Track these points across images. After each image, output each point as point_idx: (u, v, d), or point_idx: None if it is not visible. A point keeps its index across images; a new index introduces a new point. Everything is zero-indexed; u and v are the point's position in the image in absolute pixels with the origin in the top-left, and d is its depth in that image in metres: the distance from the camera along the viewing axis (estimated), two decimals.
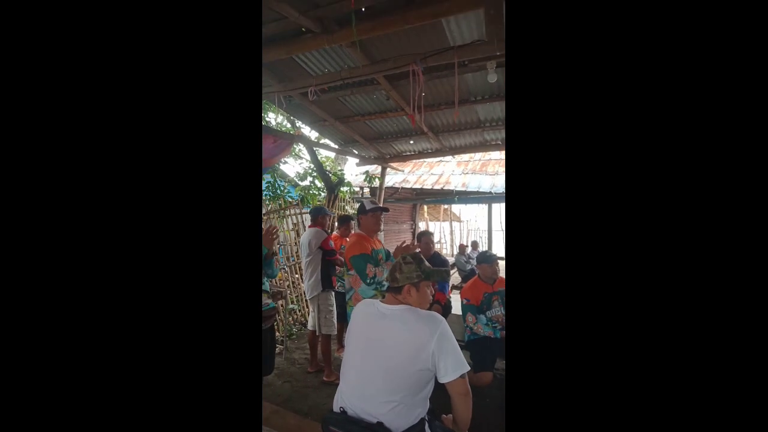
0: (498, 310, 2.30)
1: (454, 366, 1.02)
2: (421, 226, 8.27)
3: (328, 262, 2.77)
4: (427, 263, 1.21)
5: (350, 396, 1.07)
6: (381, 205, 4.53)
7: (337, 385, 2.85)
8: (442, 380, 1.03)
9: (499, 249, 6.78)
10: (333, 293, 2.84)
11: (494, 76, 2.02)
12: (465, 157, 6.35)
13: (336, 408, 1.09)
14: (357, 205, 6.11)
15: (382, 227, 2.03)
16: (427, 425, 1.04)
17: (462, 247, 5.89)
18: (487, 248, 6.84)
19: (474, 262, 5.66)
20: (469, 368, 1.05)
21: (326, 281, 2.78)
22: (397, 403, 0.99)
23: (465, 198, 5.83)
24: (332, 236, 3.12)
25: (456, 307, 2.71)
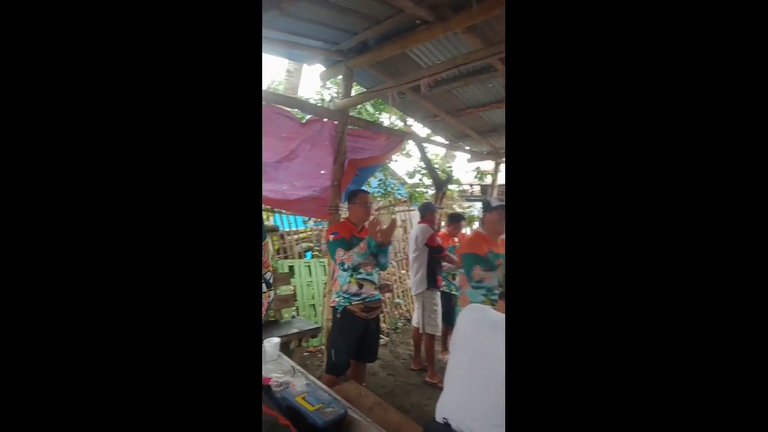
0: None
1: None
2: None
3: (434, 259, 2.68)
4: None
5: (455, 409, 0.97)
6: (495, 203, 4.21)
7: (440, 388, 2.77)
8: None
9: None
10: (438, 293, 2.74)
11: None
12: None
13: (438, 417, 1.01)
14: (465, 204, 5.92)
15: None
16: None
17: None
18: None
19: None
20: None
21: (431, 279, 2.70)
22: None
23: None
24: (440, 234, 3.03)
25: None
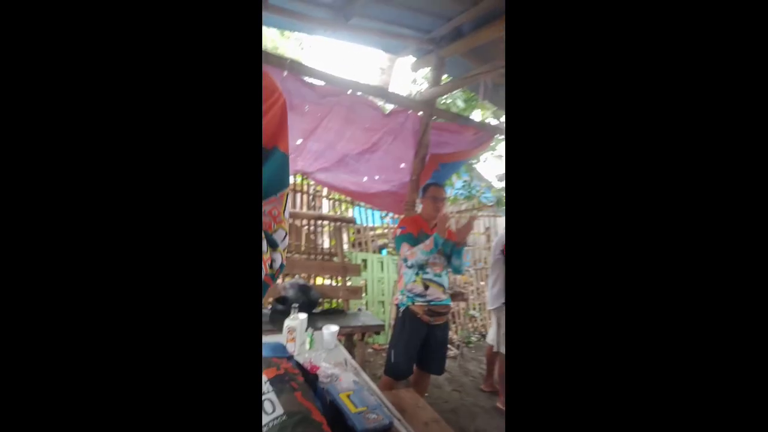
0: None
1: None
2: None
3: None
4: None
5: None
6: None
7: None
8: None
9: None
10: None
11: None
12: None
13: None
14: None
15: None
16: None
17: None
18: None
19: None
20: None
21: None
22: None
23: None
24: None
25: None
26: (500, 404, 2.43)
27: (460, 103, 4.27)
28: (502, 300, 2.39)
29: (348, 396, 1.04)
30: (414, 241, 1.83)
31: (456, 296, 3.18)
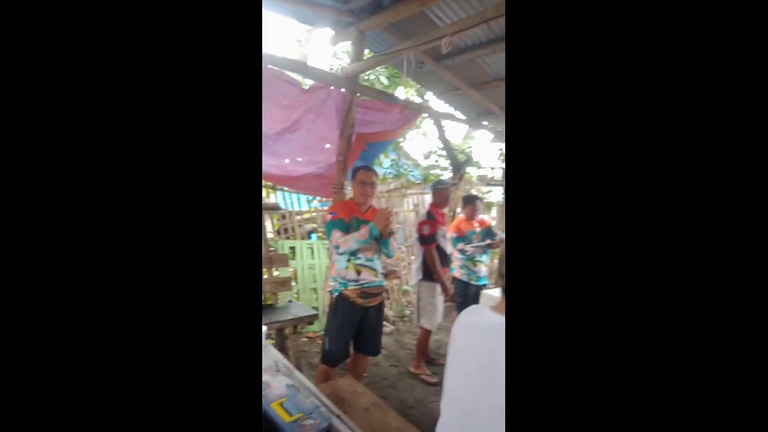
0: None
1: None
2: None
3: (430, 250, 2.37)
4: None
5: (455, 427, 0.80)
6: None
7: (424, 381, 2.57)
8: None
9: None
10: (437, 285, 2.44)
11: None
12: None
13: None
14: (485, 189, 5.61)
15: None
16: None
17: None
18: None
19: None
20: None
21: (426, 270, 2.43)
22: None
23: None
24: (458, 218, 2.78)
25: None
26: (412, 368, 2.57)
27: (384, 80, 4.20)
28: (420, 277, 2.47)
29: (281, 404, 0.96)
30: (345, 228, 1.76)
31: (389, 274, 3.23)
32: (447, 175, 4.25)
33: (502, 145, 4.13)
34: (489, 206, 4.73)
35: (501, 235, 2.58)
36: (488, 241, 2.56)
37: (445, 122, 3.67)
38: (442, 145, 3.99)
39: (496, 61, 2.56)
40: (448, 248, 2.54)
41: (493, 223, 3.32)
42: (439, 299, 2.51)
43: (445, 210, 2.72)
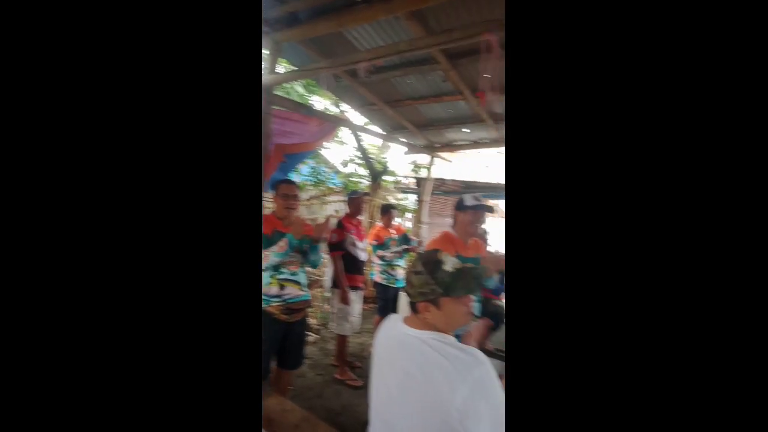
0: None
1: None
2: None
3: (337, 257, 2.48)
4: (449, 267, 0.82)
5: None
6: (428, 197, 4.28)
7: (349, 385, 2.65)
8: None
9: None
10: (352, 292, 2.56)
11: None
12: (497, 149, 5.84)
13: None
14: (400, 196, 5.96)
15: (478, 226, 1.66)
16: None
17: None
18: None
19: None
20: None
21: (334, 278, 2.52)
22: None
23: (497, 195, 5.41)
24: (376, 227, 2.94)
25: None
26: (337, 375, 2.65)
27: (300, 89, 4.15)
28: (330, 284, 2.57)
29: None
30: (267, 243, 1.74)
31: (313, 284, 3.22)
32: (365, 183, 4.41)
33: (416, 157, 4.46)
34: (404, 212, 5.05)
35: (416, 239, 2.82)
36: (405, 246, 2.77)
37: (362, 134, 3.81)
38: (359, 154, 4.13)
39: (409, 83, 2.79)
40: (362, 255, 2.65)
41: (409, 225, 3.58)
42: (355, 304, 2.61)
43: (361, 218, 2.85)
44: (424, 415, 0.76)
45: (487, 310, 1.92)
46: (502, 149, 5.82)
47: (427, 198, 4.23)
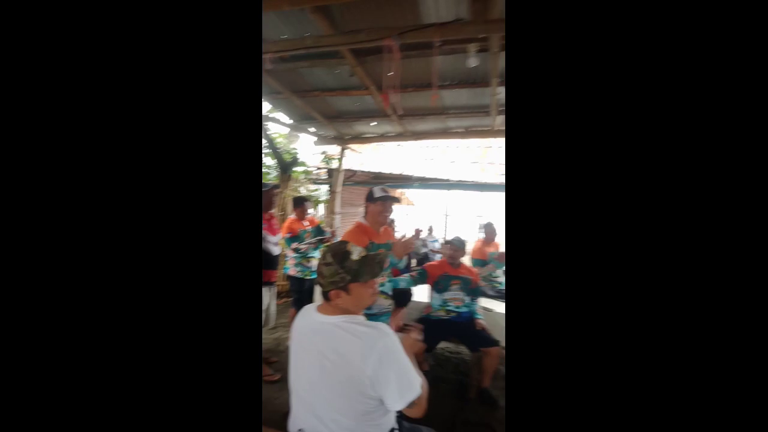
0: (456, 294, 2.32)
1: (400, 393, 0.83)
2: None
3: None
4: (355, 256, 0.93)
5: (308, 419, 0.93)
6: (340, 188, 4.35)
7: (266, 381, 2.64)
8: (392, 409, 0.88)
9: (455, 234, 6.96)
10: (268, 287, 2.50)
11: (475, 61, 1.92)
12: (426, 142, 6.32)
13: (293, 430, 0.97)
14: (312, 187, 5.88)
15: (387, 216, 1.79)
16: None
17: (417, 232, 5.95)
18: (443, 234, 7.00)
19: (431, 246, 5.75)
20: (420, 391, 0.87)
21: None
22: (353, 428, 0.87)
23: (425, 184, 5.85)
24: (289, 219, 2.90)
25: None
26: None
27: None
28: None
29: None
30: None
31: None
32: (274, 174, 4.25)
33: (326, 147, 4.46)
34: (316, 203, 5.03)
35: (329, 230, 2.89)
36: (319, 237, 2.81)
37: (268, 123, 3.66)
38: (267, 145, 3.96)
39: (314, 74, 2.79)
40: (275, 250, 2.61)
41: (321, 214, 3.59)
42: (267, 300, 2.56)
43: (273, 211, 2.79)
44: (342, 391, 0.86)
45: (397, 291, 2.12)
46: (403, 142, 6.21)
47: (338, 189, 4.30)
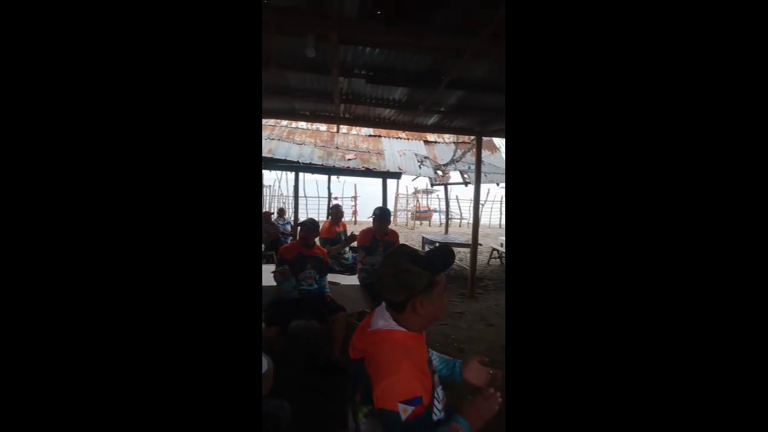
0: (309, 273, 2.44)
1: None
2: None
3: None
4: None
5: None
6: None
7: None
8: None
9: (305, 216, 6.99)
10: None
11: (312, 51, 1.96)
12: (270, 122, 6.01)
13: None
14: None
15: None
16: None
17: (267, 214, 5.72)
18: (292, 214, 6.93)
19: (282, 229, 5.64)
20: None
21: None
22: None
23: (271, 165, 5.62)
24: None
25: None
26: None
27: None
28: None
29: None
30: None
31: None
32: None
33: None
34: None
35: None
36: None
37: None
38: None
39: None
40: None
41: None
42: None
43: None
44: None
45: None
46: None
47: None
